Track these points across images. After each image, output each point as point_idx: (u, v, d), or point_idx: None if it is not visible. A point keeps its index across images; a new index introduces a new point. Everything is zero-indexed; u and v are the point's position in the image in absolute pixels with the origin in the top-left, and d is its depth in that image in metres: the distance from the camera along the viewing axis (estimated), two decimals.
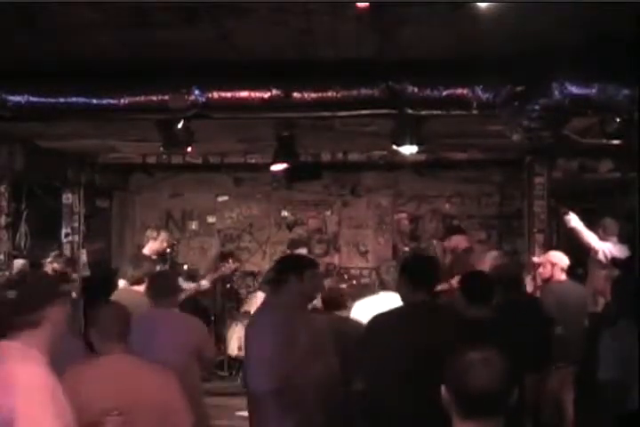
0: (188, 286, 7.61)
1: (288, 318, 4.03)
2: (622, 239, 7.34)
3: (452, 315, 4.27)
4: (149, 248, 7.74)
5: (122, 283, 6.92)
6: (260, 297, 7.77)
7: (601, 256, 7.07)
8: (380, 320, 4.12)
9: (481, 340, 2.29)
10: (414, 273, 4.07)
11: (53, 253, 8.40)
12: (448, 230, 9.02)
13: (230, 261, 9.47)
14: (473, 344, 2.20)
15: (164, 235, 7.89)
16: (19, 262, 7.75)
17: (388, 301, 5.23)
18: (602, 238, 7.18)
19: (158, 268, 7.16)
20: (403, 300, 4.13)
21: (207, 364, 5.38)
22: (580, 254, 7.32)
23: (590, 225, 7.30)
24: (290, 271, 4.15)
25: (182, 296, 7.34)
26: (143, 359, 3.47)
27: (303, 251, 8.15)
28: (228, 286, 9.88)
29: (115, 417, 3.00)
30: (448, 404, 2.16)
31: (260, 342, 4.01)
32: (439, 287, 7.92)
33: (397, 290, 4.32)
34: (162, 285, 5.31)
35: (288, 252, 8.17)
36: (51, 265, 7.80)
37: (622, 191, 8.35)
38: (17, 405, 2.44)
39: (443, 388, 2.16)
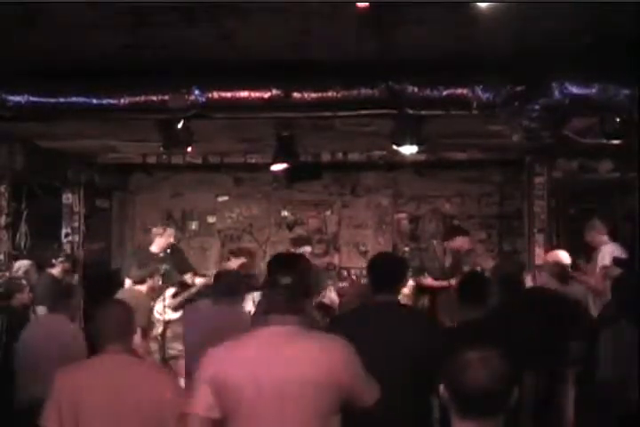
0: (199, 281, 7.73)
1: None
2: (622, 239, 7.33)
3: (416, 316, 4.17)
4: (157, 245, 7.91)
5: (128, 282, 6.95)
6: (258, 296, 7.76)
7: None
8: (339, 321, 4.10)
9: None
10: (378, 273, 3.92)
11: (63, 253, 8.44)
12: (451, 231, 8.88)
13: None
14: (472, 345, 2.20)
15: (170, 230, 8.10)
16: (23, 263, 7.74)
17: None
18: (598, 240, 7.15)
19: (162, 267, 7.20)
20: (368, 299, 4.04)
21: None
22: (580, 255, 7.30)
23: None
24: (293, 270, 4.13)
25: (193, 293, 7.43)
26: (142, 359, 3.46)
27: (307, 249, 8.14)
28: None
29: None
30: (447, 403, 2.16)
31: None
32: (438, 285, 8.00)
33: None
34: (226, 283, 5.31)
35: (292, 250, 8.15)
36: (62, 264, 7.83)
37: (622, 191, 8.36)
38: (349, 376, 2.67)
39: (441, 387, 2.16)
